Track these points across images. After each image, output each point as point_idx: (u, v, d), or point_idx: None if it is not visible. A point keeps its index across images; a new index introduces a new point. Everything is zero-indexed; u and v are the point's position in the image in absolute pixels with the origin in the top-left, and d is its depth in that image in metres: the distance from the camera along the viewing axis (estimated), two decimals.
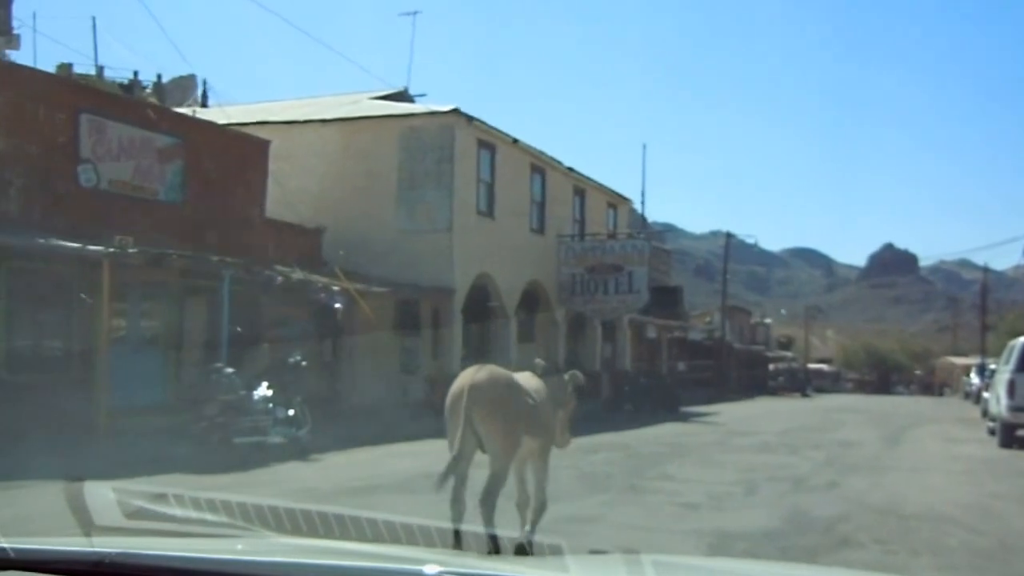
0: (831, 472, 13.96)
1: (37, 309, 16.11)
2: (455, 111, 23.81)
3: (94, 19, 60.58)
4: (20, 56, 27.92)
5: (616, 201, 34.49)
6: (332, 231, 23.64)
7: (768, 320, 73.24)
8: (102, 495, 2.52)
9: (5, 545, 1.89)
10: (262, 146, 21.96)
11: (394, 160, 23.80)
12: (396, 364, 23.62)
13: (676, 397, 31.43)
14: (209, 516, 2.73)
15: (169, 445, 13.09)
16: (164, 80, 40.66)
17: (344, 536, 2.84)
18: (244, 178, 21.25)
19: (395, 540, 2.79)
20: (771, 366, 64.34)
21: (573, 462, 14.28)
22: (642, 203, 44.01)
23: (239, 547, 2.27)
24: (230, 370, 14.35)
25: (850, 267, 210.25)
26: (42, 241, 14.71)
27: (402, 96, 27.89)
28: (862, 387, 75.05)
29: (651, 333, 38.49)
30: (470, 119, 24.11)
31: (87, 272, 16.34)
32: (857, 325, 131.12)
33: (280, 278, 17.87)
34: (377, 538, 2.82)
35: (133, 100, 19.61)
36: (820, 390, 61.34)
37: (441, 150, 23.51)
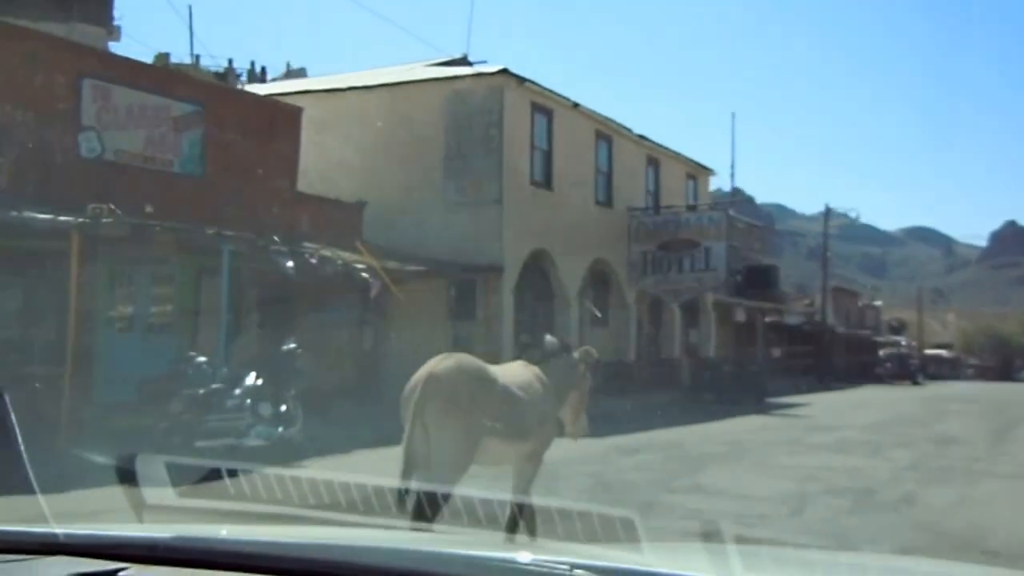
0: (911, 480, 11.55)
1: (9, 290, 14.75)
2: (504, 72, 21.76)
3: (190, 8, 60.46)
4: (120, 48, 27.11)
5: (696, 172, 31.95)
6: (375, 206, 21.89)
7: (878, 303, 69.17)
8: (154, 471, 2.47)
9: (56, 530, 1.84)
10: (293, 113, 20.31)
11: (440, 128, 21.92)
12: (448, 350, 21.79)
13: (762, 386, 28.88)
14: (262, 493, 2.74)
15: (121, 451, 11.37)
16: (274, 73, 40.30)
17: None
18: (272, 148, 19.62)
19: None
20: (881, 352, 60.60)
21: (600, 466, 12.24)
22: (731, 175, 41.21)
23: (299, 532, 2.16)
24: (202, 359, 12.64)
25: (971, 247, 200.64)
26: (14, 214, 13.32)
27: (461, 64, 25.98)
28: (983, 374, 70.37)
29: (740, 316, 35.81)
30: (521, 80, 22.03)
31: (87, 249, 14.99)
32: (979, 308, 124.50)
33: (290, 262, 16.07)
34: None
35: (143, 64, 18.21)
36: (936, 377, 57.31)
37: (489, 115, 21.52)
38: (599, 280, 26.67)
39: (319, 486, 2.89)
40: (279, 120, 19.97)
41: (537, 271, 23.60)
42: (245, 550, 1.77)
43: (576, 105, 24.14)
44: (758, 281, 39.72)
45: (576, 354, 7.33)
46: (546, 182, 23.41)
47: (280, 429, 12.85)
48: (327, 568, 1.69)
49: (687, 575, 1.70)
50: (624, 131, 26.90)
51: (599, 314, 25.59)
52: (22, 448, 2.87)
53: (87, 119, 16.10)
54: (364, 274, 17.49)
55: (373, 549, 1.82)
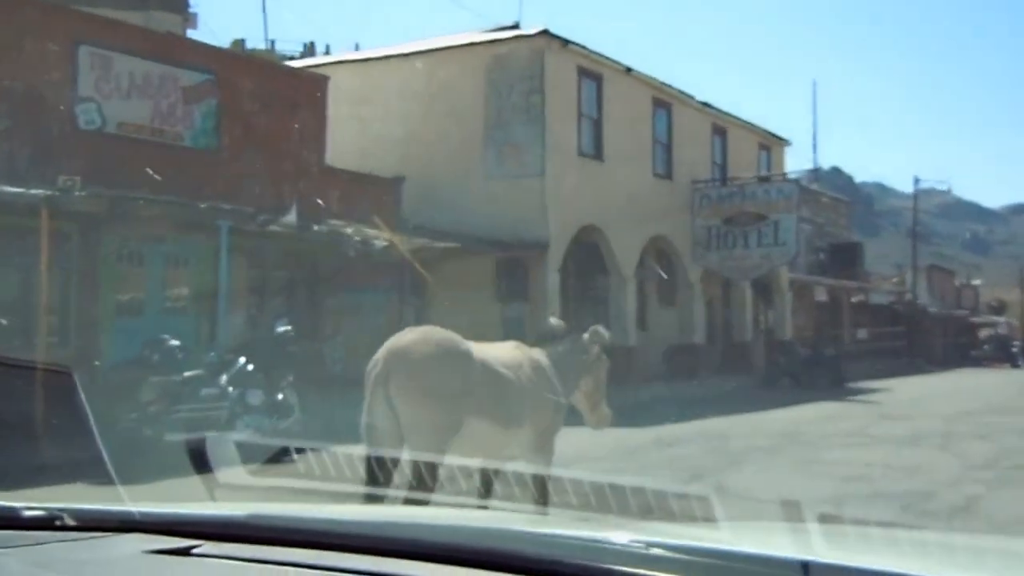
0: (980, 482, 9.77)
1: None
2: (544, 33, 20.22)
3: None
4: (197, 36, 26.41)
5: (770, 143, 29.90)
6: (415, 182, 20.66)
7: (976, 282, 65.53)
8: (225, 451, 2.47)
9: (132, 509, 1.88)
10: (318, 83, 19.13)
11: (480, 96, 20.52)
12: (498, 335, 20.42)
13: (839, 370, 26.86)
14: (331, 471, 2.73)
15: (89, 445, 10.32)
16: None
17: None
18: (296, 120, 18.47)
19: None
20: (981, 333, 57.28)
21: (620, 462, 10.79)
22: (813, 146, 38.93)
23: (376, 510, 2.35)
24: (175, 343, 11.45)
25: None
26: None
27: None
28: None
29: (822, 296, 33.68)
30: (565, 43, 20.48)
31: (86, 226, 14.07)
32: None
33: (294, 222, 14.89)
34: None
35: (146, 30, 17.20)
36: None
37: (531, 80, 20.03)
38: (659, 257, 24.98)
39: (387, 464, 2.76)
40: (303, 90, 18.81)
41: (588, 248, 22.07)
42: (318, 527, 1.75)
43: (629, 70, 22.48)
44: (842, 259, 37.59)
45: (585, 336, 6.69)
46: (596, 153, 21.82)
47: (273, 420, 11.67)
48: (400, 546, 1.62)
49: (771, 555, 1.53)
50: (685, 98, 25.12)
51: (664, 274, 23.91)
52: (95, 429, 2.87)
53: (85, 89, 15.13)
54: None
55: (446, 527, 1.76)
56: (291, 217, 14.45)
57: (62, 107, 14.90)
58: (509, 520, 1.94)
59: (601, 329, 6.80)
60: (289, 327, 12.50)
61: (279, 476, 2.60)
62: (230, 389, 11.20)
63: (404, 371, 5.50)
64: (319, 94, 19.03)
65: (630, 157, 22.68)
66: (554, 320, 7.12)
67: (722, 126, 27.10)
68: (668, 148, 24.59)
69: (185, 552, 1.69)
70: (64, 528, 1.86)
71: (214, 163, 16.87)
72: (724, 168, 26.96)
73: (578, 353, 6.54)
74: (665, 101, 24.32)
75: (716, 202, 25.02)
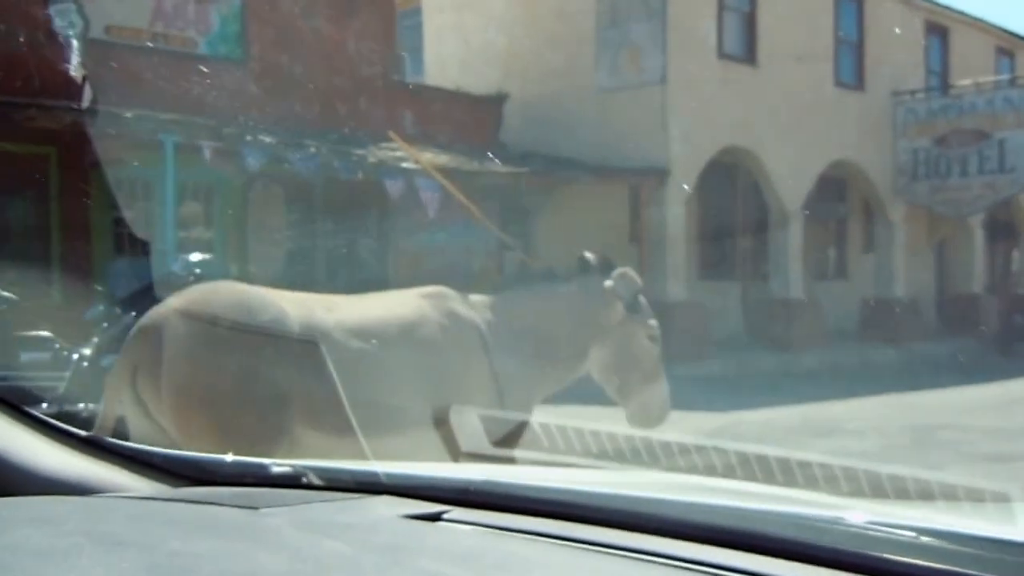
0: None
1: None
2: None
3: None
4: None
5: (1013, 45, 23.71)
6: (519, 99, 17.13)
7: None
8: (468, 422, 2.41)
9: (377, 469, 1.85)
10: None
11: None
12: None
13: None
14: (578, 448, 2.46)
15: None
16: None
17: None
18: (351, 24, 15.34)
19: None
20: None
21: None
22: None
23: (624, 480, 2.03)
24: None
25: None
26: None
27: None
28: None
29: None
30: None
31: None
32: None
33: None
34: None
35: None
36: None
37: None
38: (840, 189, 20.07)
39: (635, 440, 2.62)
40: None
41: (736, 177, 17.66)
42: (567, 499, 1.63)
43: None
44: None
45: (607, 283, 4.19)
46: (747, 54, 17.26)
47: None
48: (652, 522, 1.49)
49: None
50: None
51: (847, 210, 19.12)
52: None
53: None
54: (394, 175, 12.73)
55: (700, 506, 1.55)
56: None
57: (33, 9, 12.51)
58: (751, 498, 1.61)
59: (630, 273, 4.29)
60: (202, 258, 9.28)
61: (521, 448, 2.45)
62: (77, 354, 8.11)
63: (158, 360, 3.35)
64: None
65: (800, 60, 17.86)
66: (589, 255, 4.34)
67: (941, 23, 21.47)
68: (858, 50, 19.47)
69: (436, 518, 1.61)
70: (310, 487, 1.82)
71: (240, 76, 14.04)
72: (944, 78, 21.38)
73: (577, 308, 4.21)
74: None
75: (925, 118, 19.67)
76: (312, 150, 11.80)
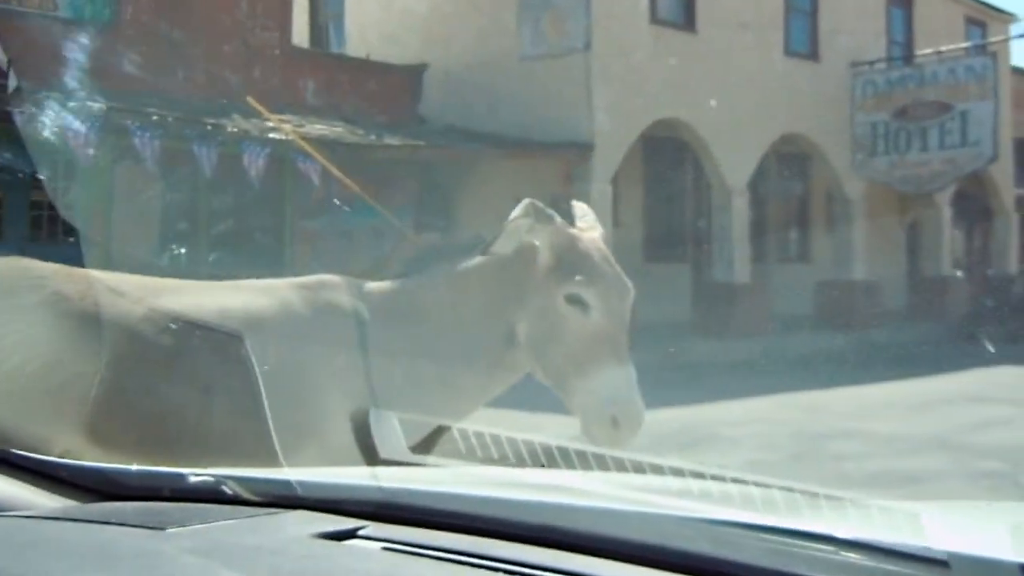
0: None
1: None
2: None
3: None
4: None
5: (984, 15, 22.36)
6: (441, 70, 15.83)
7: None
8: (387, 425, 2.17)
9: (292, 479, 1.76)
10: None
11: None
12: None
13: None
14: (504, 455, 2.18)
15: None
16: None
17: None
18: None
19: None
20: None
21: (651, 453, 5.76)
22: None
23: (554, 480, 1.82)
24: None
25: None
26: None
27: None
28: None
29: None
30: None
31: None
32: None
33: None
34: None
35: None
36: None
37: None
38: (801, 166, 18.78)
39: (552, 450, 2.08)
40: None
41: (675, 152, 16.35)
42: (493, 513, 1.54)
43: None
44: None
45: (515, 220, 2.83)
46: (684, 20, 15.96)
47: None
48: (590, 542, 1.38)
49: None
50: None
51: (798, 186, 17.80)
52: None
53: None
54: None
55: (653, 519, 1.43)
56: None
57: None
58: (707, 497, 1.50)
59: (536, 205, 2.86)
60: None
61: (441, 455, 2.26)
62: None
63: None
64: None
65: (745, 27, 16.56)
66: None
67: None
68: (812, 17, 18.15)
69: (350, 535, 1.55)
70: (221, 501, 1.74)
71: (108, 42, 12.71)
72: (909, 48, 20.05)
73: (489, 279, 2.92)
74: None
75: (884, 90, 18.36)
76: (155, 118, 10.45)
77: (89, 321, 2.60)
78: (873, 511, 1.50)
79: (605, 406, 2.75)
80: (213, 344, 2.71)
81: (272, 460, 2.33)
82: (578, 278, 2.81)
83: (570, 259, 2.83)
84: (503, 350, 2.90)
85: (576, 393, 2.81)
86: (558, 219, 2.89)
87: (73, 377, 2.59)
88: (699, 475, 1.73)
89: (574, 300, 2.80)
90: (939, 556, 1.22)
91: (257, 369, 2.65)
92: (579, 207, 3.15)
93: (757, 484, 1.67)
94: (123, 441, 2.59)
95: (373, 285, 2.96)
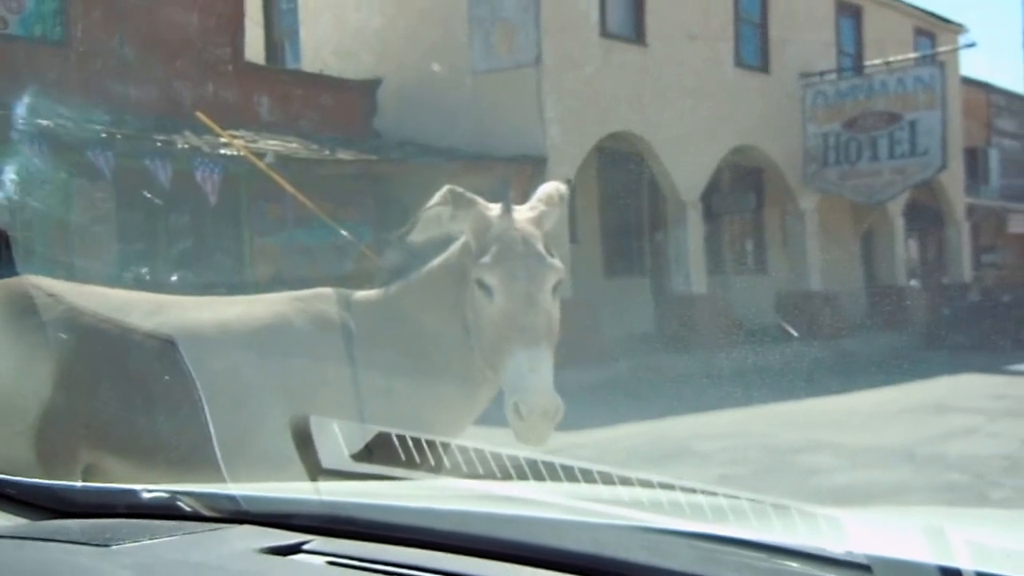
0: None
1: None
2: None
3: None
4: None
5: (933, 26, 22.77)
6: (396, 84, 15.94)
7: None
8: (329, 433, 2.15)
9: (236, 494, 1.76)
10: None
11: None
12: None
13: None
14: (446, 463, 2.25)
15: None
16: None
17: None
18: (194, 1, 14.05)
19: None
20: None
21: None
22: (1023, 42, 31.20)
23: (510, 502, 1.70)
24: None
25: None
26: None
27: None
28: None
29: (1019, 226, 26.20)
30: None
31: None
32: None
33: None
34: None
35: None
36: None
37: None
38: (755, 178, 19.02)
39: (486, 457, 2.02)
40: None
41: (628, 165, 16.52)
42: (420, 523, 1.56)
43: None
44: None
45: (417, 230, 2.93)
46: (634, 33, 16.12)
47: None
48: (540, 554, 1.39)
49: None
50: None
51: (753, 198, 18.02)
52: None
53: None
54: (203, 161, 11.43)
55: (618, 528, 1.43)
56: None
57: None
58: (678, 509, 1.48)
59: (455, 190, 2.88)
60: None
61: (382, 464, 2.16)
62: None
63: None
64: None
65: (695, 40, 16.80)
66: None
67: (853, 3, 20.47)
68: (762, 29, 18.42)
69: (294, 550, 1.54)
70: (168, 516, 1.73)
71: (60, 59, 12.73)
72: (859, 59, 20.39)
73: (441, 278, 2.95)
74: None
75: (834, 101, 18.65)
76: (103, 135, 10.48)
77: (99, 336, 2.76)
78: (798, 517, 1.52)
79: (508, 395, 2.64)
80: (213, 357, 2.78)
81: (276, 473, 2.35)
82: (482, 261, 2.75)
83: (482, 243, 2.78)
84: (467, 346, 2.87)
85: (498, 378, 2.76)
86: (480, 203, 2.85)
87: (83, 392, 2.72)
88: (668, 486, 1.72)
89: (480, 284, 2.76)
90: (860, 560, 1.25)
91: (250, 380, 2.83)
92: (543, 187, 3.08)
93: (684, 490, 1.67)
94: (139, 456, 2.72)
95: (360, 295, 3.00)
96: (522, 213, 2.89)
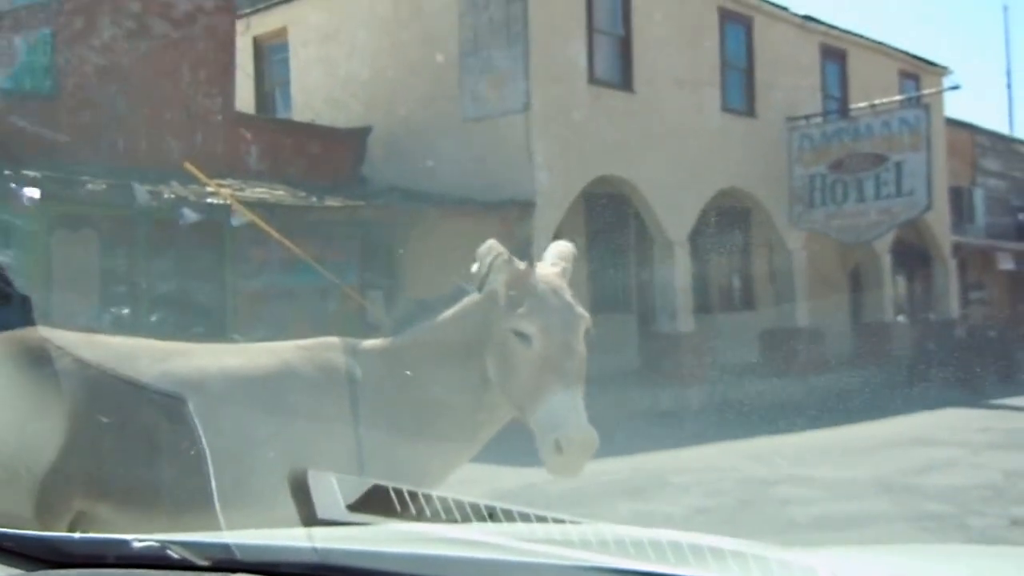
0: None
1: None
2: None
3: None
4: None
5: (917, 69, 23.06)
6: (385, 132, 16.09)
7: None
8: (326, 485, 2.18)
9: (230, 542, 1.76)
10: (216, 5, 14.68)
11: (454, 13, 15.58)
12: None
13: (1013, 361, 20.06)
14: (442, 514, 2.22)
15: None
16: None
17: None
18: (183, 53, 14.18)
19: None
20: None
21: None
22: (1008, 87, 31.53)
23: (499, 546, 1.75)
24: None
25: None
26: None
27: None
28: None
29: (1006, 264, 26.35)
30: None
31: None
32: None
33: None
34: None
35: None
36: None
37: None
38: (743, 218, 19.16)
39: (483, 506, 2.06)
40: (193, 16, 14.39)
41: (617, 208, 16.66)
42: (412, 571, 1.61)
43: None
44: None
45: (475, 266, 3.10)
46: (622, 80, 16.32)
47: None
48: None
49: None
50: (774, 9, 19.09)
51: (739, 238, 18.11)
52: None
53: None
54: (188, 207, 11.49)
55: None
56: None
57: None
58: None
59: (495, 245, 3.07)
60: None
61: (379, 514, 2.17)
62: None
63: None
64: (219, 20, 14.59)
65: (681, 86, 17.02)
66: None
67: (838, 47, 20.75)
68: (747, 75, 18.65)
69: None
70: (163, 566, 1.74)
71: (52, 112, 12.84)
72: (844, 102, 20.63)
73: (459, 327, 3.18)
74: (740, 13, 18.40)
75: (820, 143, 18.84)
76: (89, 186, 10.55)
77: (105, 389, 2.86)
78: (773, 564, 1.51)
79: (547, 432, 2.87)
80: (218, 407, 2.90)
81: (274, 524, 2.40)
82: (520, 311, 2.99)
83: (517, 295, 3.02)
84: (481, 390, 3.10)
85: (529, 423, 2.99)
86: (514, 259, 3.11)
87: (87, 443, 2.79)
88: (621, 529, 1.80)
89: (517, 333, 3.00)
90: None
91: (255, 430, 2.93)
92: (555, 246, 3.39)
93: (652, 539, 1.68)
94: (135, 504, 2.82)
95: (368, 343, 3.19)
96: (547, 268, 3.17)
